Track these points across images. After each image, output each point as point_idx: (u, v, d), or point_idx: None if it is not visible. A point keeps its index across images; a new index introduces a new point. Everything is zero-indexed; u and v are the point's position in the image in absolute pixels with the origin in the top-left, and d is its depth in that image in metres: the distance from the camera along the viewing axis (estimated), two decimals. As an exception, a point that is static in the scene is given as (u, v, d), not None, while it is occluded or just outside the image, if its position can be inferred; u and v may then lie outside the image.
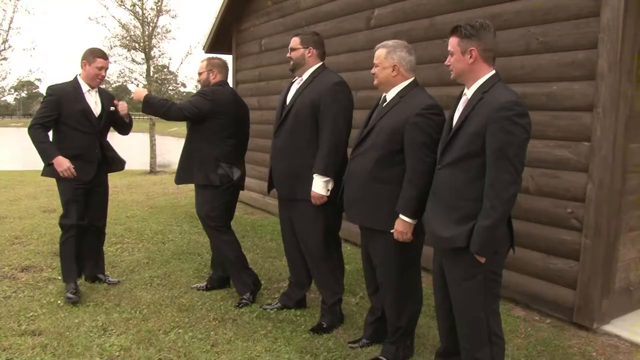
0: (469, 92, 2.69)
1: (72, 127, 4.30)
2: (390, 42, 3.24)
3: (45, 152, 4.24)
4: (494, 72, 2.67)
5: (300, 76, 3.84)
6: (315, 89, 3.70)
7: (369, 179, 3.16)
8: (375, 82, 3.25)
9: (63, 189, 4.36)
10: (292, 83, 3.94)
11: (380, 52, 3.21)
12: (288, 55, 3.87)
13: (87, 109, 4.36)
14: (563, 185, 4.03)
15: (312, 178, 3.65)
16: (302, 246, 3.93)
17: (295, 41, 3.83)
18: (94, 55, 4.38)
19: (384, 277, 3.28)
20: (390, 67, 3.16)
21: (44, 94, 4.41)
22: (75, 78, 4.44)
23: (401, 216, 3.03)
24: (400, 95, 3.16)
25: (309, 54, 3.80)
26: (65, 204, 4.39)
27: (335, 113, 3.64)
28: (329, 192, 3.65)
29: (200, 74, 4.47)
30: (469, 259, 2.60)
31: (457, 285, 2.71)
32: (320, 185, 3.63)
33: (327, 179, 3.62)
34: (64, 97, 4.30)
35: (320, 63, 3.84)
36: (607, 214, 3.81)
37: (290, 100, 3.81)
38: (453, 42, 2.69)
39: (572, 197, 3.98)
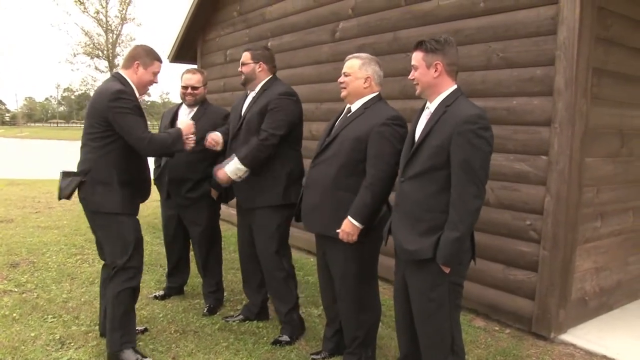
0: (431, 106, 2.73)
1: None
2: (363, 55, 3.31)
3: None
4: (456, 86, 2.72)
5: (253, 90, 3.90)
6: (265, 98, 3.76)
7: (330, 186, 3.18)
8: (344, 92, 3.28)
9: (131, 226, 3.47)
10: (246, 95, 3.99)
11: (353, 63, 3.25)
12: (239, 69, 3.93)
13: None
14: (522, 198, 4.12)
15: (271, 186, 3.74)
16: (258, 255, 3.94)
17: (246, 56, 3.90)
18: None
19: (342, 287, 3.29)
20: (363, 78, 3.21)
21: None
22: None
23: (350, 218, 3.06)
24: (365, 106, 3.21)
25: (260, 69, 3.86)
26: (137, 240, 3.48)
27: (276, 111, 3.68)
28: (238, 179, 3.71)
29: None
30: (434, 270, 2.64)
31: (422, 296, 2.73)
32: (233, 169, 3.68)
33: (244, 169, 3.67)
34: None
35: (270, 76, 3.91)
36: (564, 226, 3.90)
37: (244, 112, 3.87)
38: (417, 57, 2.74)
39: (530, 210, 4.08)
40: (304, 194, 3.41)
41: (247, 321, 4.13)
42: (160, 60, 3.55)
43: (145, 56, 3.46)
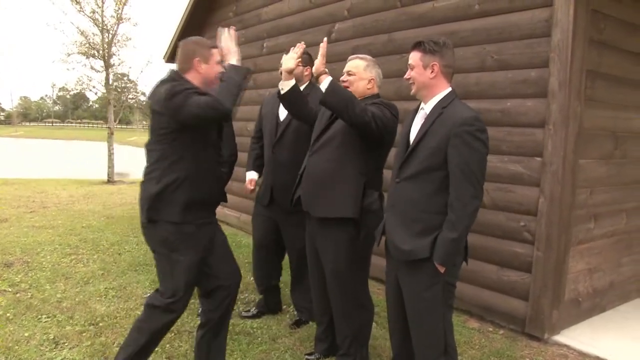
0: (427, 107, 2.74)
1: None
2: (367, 56, 3.37)
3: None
4: (451, 89, 2.73)
5: None
6: (313, 104, 3.75)
7: (333, 167, 3.22)
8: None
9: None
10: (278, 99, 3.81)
11: (358, 63, 3.30)
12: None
13: None
14: (516, 200, 4.14)
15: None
16: (288, 251, 4.16)
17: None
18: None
19: (334, 285, 3.30)
20: (367, 79, 3.28)
21: None
22: None
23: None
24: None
25: (307, 73, 3.99)
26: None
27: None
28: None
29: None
30: (428, 270, 2.64)
31: (416, 296, 2.73)
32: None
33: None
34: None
35: (309, 81, 4.03)
36: (558, 228, 3.93)
37: (287, 116, 3.92)
38: (415, 57, 2.74)
39: (525, 211, 4.09)
40: (303, 182, 3.41)
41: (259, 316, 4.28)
42: (216, 46, 3.02)
43: (201, 48, 2.95)
